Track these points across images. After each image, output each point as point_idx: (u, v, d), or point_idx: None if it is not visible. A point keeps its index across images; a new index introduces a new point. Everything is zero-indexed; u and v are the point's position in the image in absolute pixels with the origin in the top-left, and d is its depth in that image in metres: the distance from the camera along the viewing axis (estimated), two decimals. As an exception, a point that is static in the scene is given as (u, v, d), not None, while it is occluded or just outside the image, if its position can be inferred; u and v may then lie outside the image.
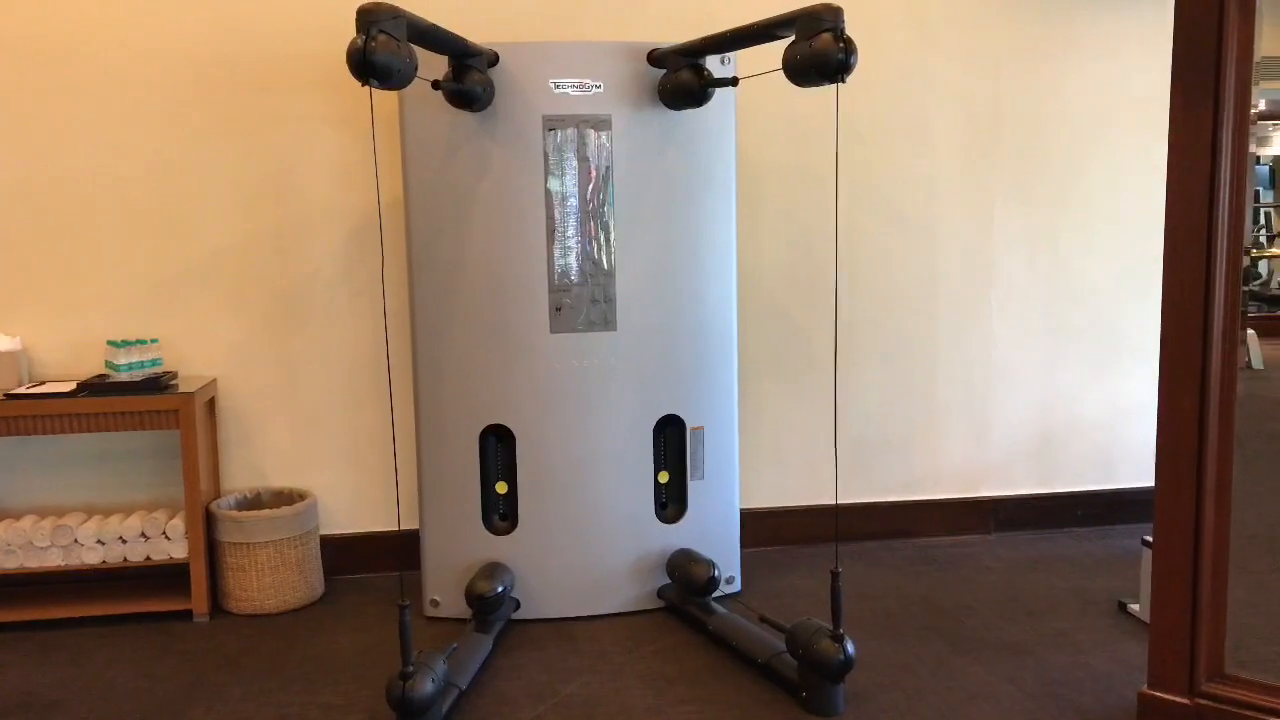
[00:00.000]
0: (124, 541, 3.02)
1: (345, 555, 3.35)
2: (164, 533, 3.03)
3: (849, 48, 2.15)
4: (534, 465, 2.94)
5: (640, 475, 3.00)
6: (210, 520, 3.07)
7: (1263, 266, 3.33)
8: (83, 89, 3.11)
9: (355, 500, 3.36)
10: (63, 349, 3.18)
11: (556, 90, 2.84)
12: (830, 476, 3.59)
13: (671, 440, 3.06)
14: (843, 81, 2.19)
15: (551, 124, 2.85)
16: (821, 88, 2.88)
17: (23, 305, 3.16)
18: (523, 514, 2.96)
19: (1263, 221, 3.39)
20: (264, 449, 3.30)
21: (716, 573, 2.87)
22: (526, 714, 2.42)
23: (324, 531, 3.32)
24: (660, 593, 3.04)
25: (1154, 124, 3.63)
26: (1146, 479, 3.75)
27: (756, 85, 3.37)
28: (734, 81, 2.76)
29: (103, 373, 3.10)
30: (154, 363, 3.10)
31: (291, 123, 3.20)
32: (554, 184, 2.87)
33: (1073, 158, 3.62)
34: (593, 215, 2.89)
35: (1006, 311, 3.65)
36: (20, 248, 3.14)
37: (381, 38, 2.07)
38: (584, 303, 2.91)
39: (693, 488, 3.06)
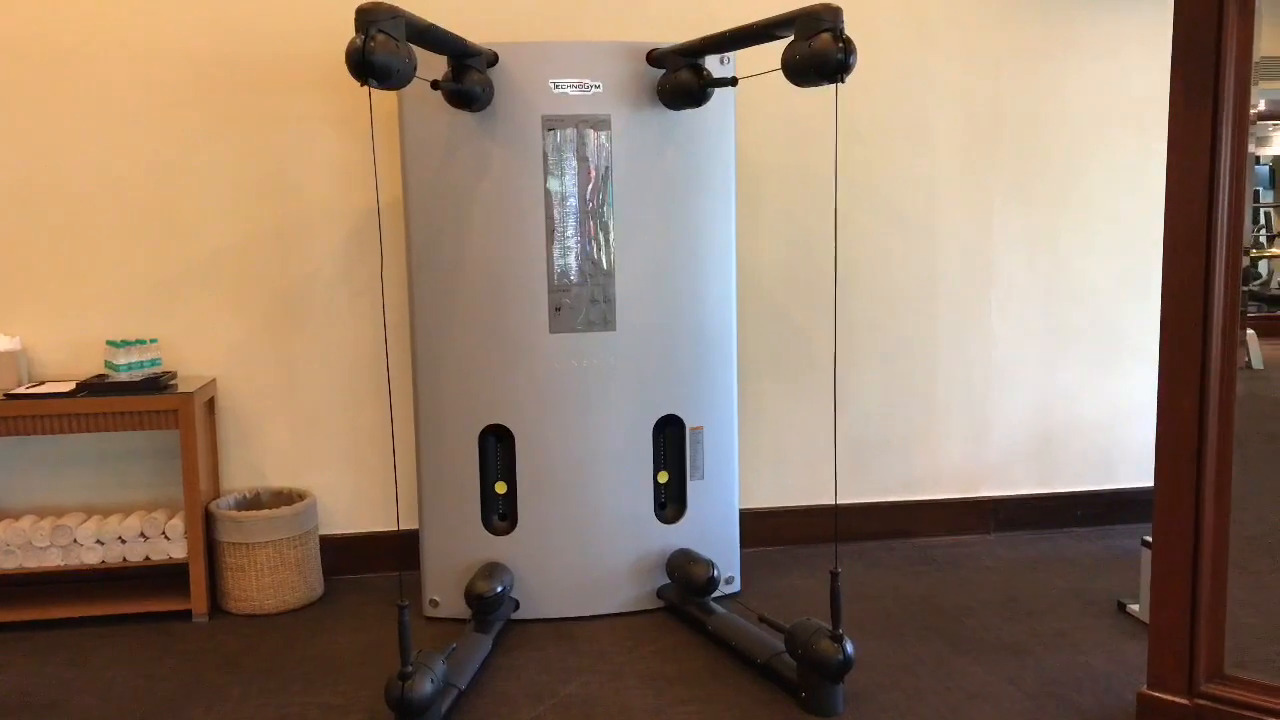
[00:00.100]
0: (123, 541, 3.02)
1: (345, 555, 3.35)
2: (163, 533, 3.03)
3: (848, 48, 2.15)
4: (533, 465, 2.94)
5: (640, 475, 3.00)
6: (209, 520, 3.07)
7: (1263, 266, 3.33)
8: (82, 89, 3.11)
9: (355, 500, 3.36)
10: (62, 349, 3.18)
11: (556, 90, 2.84)
12: (830, 476, 3.59)
13: (671, 440, 3.06)
14: (842, 81, 2.19)
15: (551, 124, 2.85)
16: (821, 88, 2.88)
17: (22, 305, 3.16)
18: (522, 514, 2.96)
19: (1263, 221, 3.39)
20: (263, 449, 3.30)
21: (716, 573, 2.87)
22: (526, 714, 2.42)
23: (323, 531, 3.32)
24: (660, 593, 3.03)
25: (1154, 124, 3.63)
26: (1146, 479, 3.75)
27: (756, 85, 3.37)
28: (733, 81, 2.76)
29: (102, 373, 3.10)
30: (153, 363, 3.10)
31: (291, 123, 3.20)
32: (553, 184, 2.87)
33: (1073, 158, 3.62)
34: (592, 215, 2.89)
35: (1006, 311, 3.65)
36: (20, 248, 3.14)
37: (380, 38, 2.07)
38: (583, 303, 2.91)
39: (692, 488, 3.06)
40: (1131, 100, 3.62)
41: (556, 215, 2.88)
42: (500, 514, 3.01)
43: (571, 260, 2.90)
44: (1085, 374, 3.72)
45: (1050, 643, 2.77)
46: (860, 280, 3.55)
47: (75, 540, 3.00)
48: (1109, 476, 3.78)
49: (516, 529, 2.96)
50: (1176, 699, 2.21)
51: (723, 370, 3.04)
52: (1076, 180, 3.63)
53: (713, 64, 2.88)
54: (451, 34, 2.51)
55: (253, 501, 3.26)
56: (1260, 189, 3.35)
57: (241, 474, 3.30)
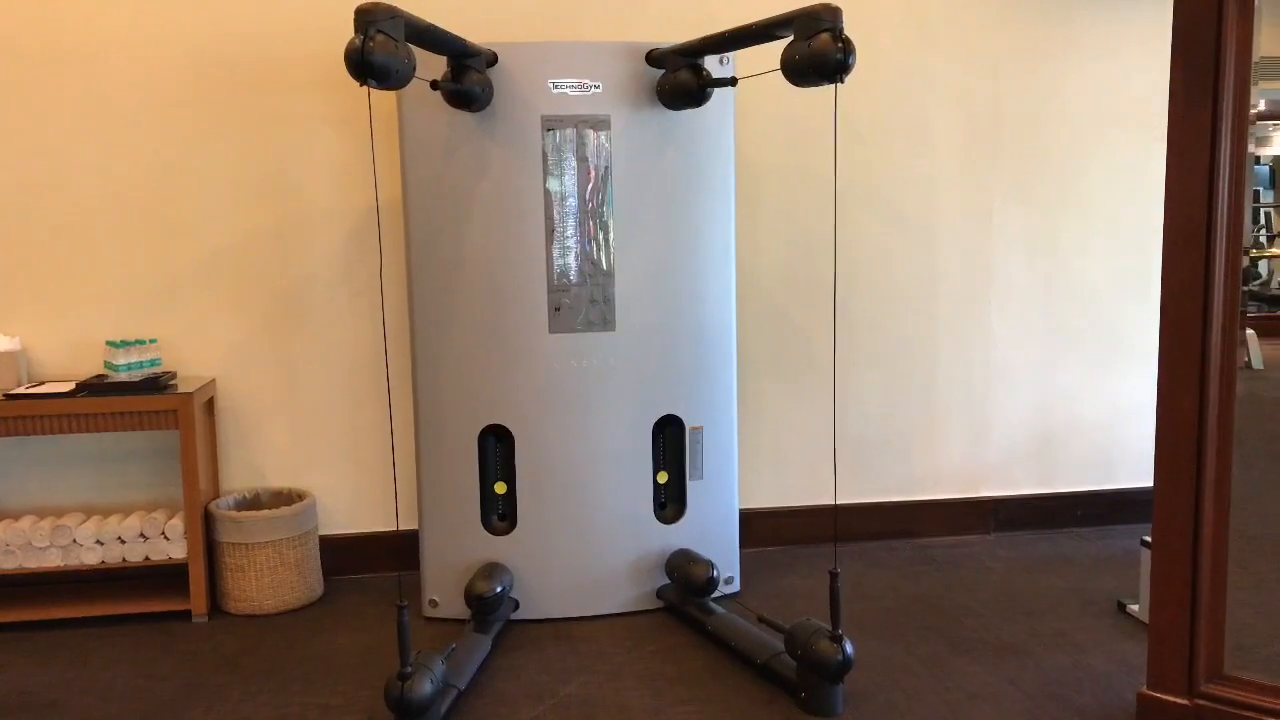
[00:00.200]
0: (123, 542, 3.02)
1: (344, 555, 3.35)
2: (163, 533, 3.03)
3: (847, 48, 2.15)
4: (533, 465, 2.94)
5: (639, 475, 3.00)
6: (209, 520, 3.07)
7: (1263, 266, 3.32)
8: (82, 89, 3.11)
9: (354, 500, 3.36)
10: (62, 349, 3.18)
11: (555, 90, 2.84)
12: (830, 476, 3.58)
13: (671, 440, 3.06)
14: (841, 81, 2.19)
15: (550, 124, 2.85)
16: (820, 88, 2.87)
17: (22, 305, 3.16)
18: (522, 514, 2.96)
19: (1263, 221, 3.39)
20: (263, 449, 3.30)
21: (715, 573, 2.87)
22: (525, 714, 2.42)
23: (323, 532, 3.32)
24: (659, 593, 3.03)
25: (1154, 124, 3.63)
26: (1146, 479, 3.75)
27: (755, 85, 3.37)
28: (733, 82, 2.76)
29: (102, 373, 3.10)
30: (153, 363, 3.10)
31: (290, 123, 3.20)
32: (553, 184, 2.87)
33: (1072, 158, 3.62)
34: (591, 215, 2.89)
35: (1006, 312, 3.65)
36: (20, 248, 3.14)
37: (379, 38, 2.07)
38: (583, 303, 2.91)
39: (692, 488, 3.06)
40: (1131, 100, 3.62)
41: (556, 215, 2.88)
42: (500, 514, 3.01)
43: (571, 260, 2.90)
44: (1085, 374, 3.72)
45: (1050, 643, 2.77)
46: (860, 280, 3.54)
47: (75, 540, 3.00)
48: (1109, 476, 3.77)
49: (516, 529, 2.96)
50: (1176, 699, 2.21)
51: (722, 370, 3.04)
52: (1076, 180, 3.63)
53: (712, 64, 2.88)
54: (451, 34, 2.51)
55: (252, 502, 3.26)
56: (1260, 189, 3.35)
57: (241, 474, 3.30)
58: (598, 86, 2.85)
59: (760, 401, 3.53)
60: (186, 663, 2.74)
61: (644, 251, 2.93)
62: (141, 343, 3.07)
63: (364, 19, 2.08)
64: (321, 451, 3.32)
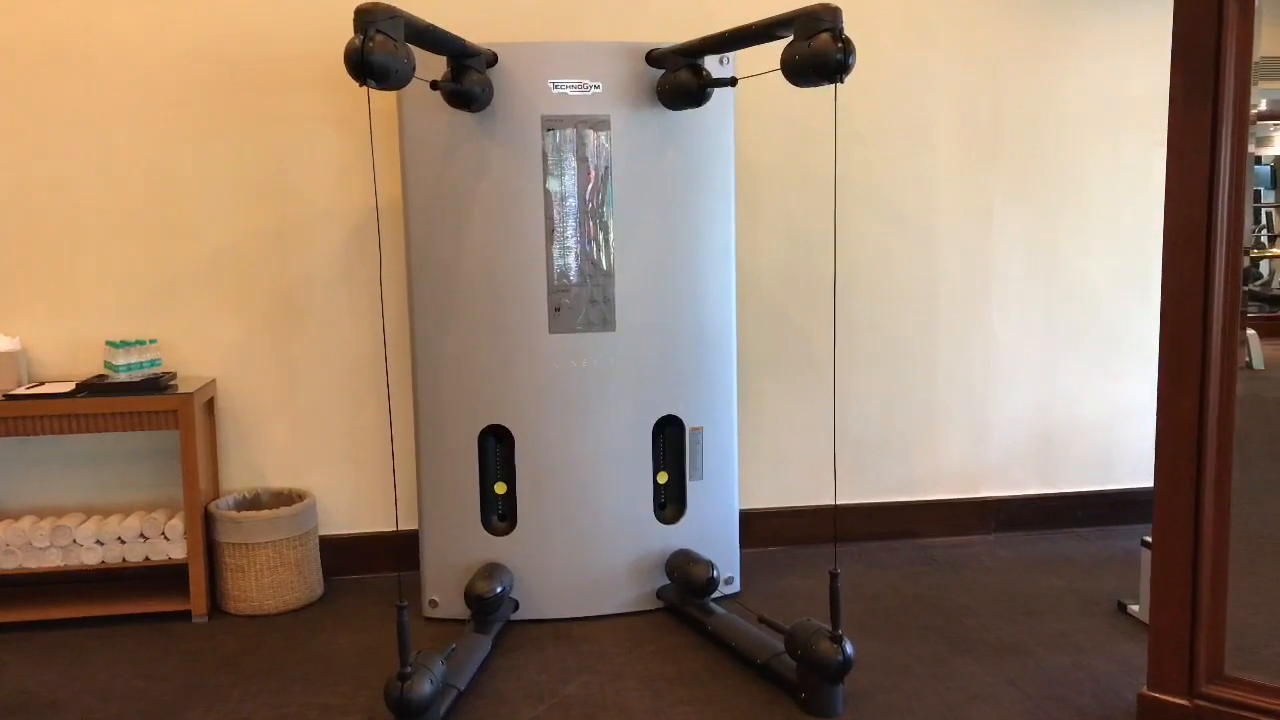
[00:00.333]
0: (123, 542, 3.02)
1: (344, 556, 3.35)
2: (163, 533, 3.03)
3: (847, 48, 2.15)
4: (533, 466, 2.94)
5: (639, 476, 3.00)
6: (209, 521, 3.07)
7: (1263, 266, 3.32)
8: (81, 89, 3.11)
9: (354, 501, 3.36)
10: (62, 349, 3.18)
11: (555, 90, 2.84)
12: (830, 476, 3.58)
13: (671, 440, 3.06)
14: (841, 81, 2.19)
15: (550, 124, 2.85)
16: (820, 88, 2.87)
17: (22, 305, 3.16)
18: (521, 514, 2.96)
19: (1263, 221, 3.39)
20: (263, 449, 3.30)
21: (716, 573, 2.87)
22: (525, 715, 2.42)
23: (323, 532, 3.32)
24: (659, 593, 3.03)
25: (1154, 124, 3.63)
26: (1146, 479, 3.75)
27: (755, 85, 3.37)
28: (733, 82, 2.76)
29: (102, 373, 3.10)
30: (153, 363, 3.10)
31: (290, 123, 3.20)
32: (553, 184, 2.87)
33: (1072, 158, 3.61)
34: (591, 215, 2.89)
35: (1006, 312, 3.65)
36: (20, 248, 3.14)
37: (379, 38, 2.07)
38: (583, 303, 2.91)
39: (692, 488, 3.05)
40: (1131, 100, 3.62)
41: (556, 215, 2.88)
42: (500, 514, 3.01)
43: (571, 260, 2.89)
44: (1085, 374, 3.72)
45: (1050, 643, 2.76)
46: (860, 280, 3.54)
47: (75, 541, 3.00)
48: (1109, 477, 3.77)
49: (516, 529, 2.96)
50: (1177, 700, 2.21)
51: (722, 370, 3.04)
52: (1076, 180, 3.63)
53: (712, 64, 2.87)
54: (451, 34, 2.51)
55: (252, 502, 3.25)
56: (1261, 189, 3.34)
57: (241, 474, 3.30)
58: (598, 86, 2.85)
59: (760, 401, 3.53)
60: (186, 663, 2.74)
61: (644, 251, 2.93)
62: (141, 343, 3.07)
63: (364, 19, 2.08)
64: (321, 451, 3.32)
